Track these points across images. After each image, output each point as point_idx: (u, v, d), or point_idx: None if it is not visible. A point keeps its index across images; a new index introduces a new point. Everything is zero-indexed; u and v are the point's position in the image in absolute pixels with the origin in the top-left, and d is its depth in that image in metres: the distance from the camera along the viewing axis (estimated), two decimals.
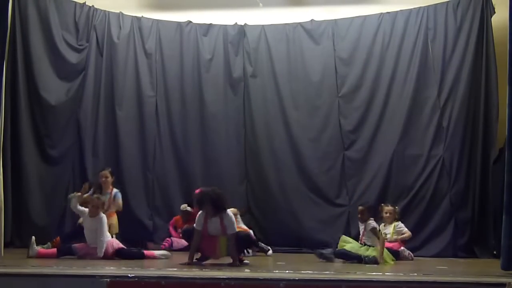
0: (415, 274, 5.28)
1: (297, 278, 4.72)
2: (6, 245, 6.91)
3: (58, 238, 7.07)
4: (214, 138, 8.80)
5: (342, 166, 8.54)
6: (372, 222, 6.81)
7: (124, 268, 5.38)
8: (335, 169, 8.50)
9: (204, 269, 5.39)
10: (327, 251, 6.85)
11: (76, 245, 6.61)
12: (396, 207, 7.60)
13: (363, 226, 6.90)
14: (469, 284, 4.60)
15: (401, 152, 8.23)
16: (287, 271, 5.20)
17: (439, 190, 8.14)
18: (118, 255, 6.57)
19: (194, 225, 6.14)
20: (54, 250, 6.64)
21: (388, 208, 7.50)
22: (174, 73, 8.99)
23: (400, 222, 7.49)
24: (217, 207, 5.98)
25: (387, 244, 6.91)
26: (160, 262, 6.50)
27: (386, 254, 6.67)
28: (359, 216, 7.00)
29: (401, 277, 5.03)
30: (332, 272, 5.30)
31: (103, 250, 6.48)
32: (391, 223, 7.42)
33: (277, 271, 5.22)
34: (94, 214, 6.64)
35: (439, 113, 8.26)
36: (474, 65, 8.17)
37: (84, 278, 4.77)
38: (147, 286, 4.61)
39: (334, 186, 8.53)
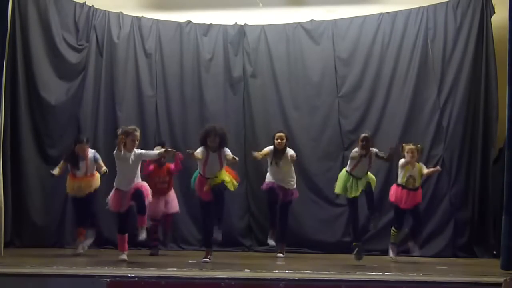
0: (415, 274, 5.28)
1: (297, 278, 4.73)
2: (6, 245, 6.95)
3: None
4: None
5: (342, 166, 8.47)
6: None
7: (124, 268, 5.39)
8: (335, 169, 8.46)
9: (204, 269, 5.39)
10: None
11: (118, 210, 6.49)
12: (419, 145, 7.04)
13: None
14: (469, 284, 4.62)
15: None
16: (287, 271, 5.20)
17: (439, 190, 8.15)
18: (138, 193, 6.53)
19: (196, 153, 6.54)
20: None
21: (410, 147, 6.93)
22: (174, 73, 8.98)
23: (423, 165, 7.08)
24: (222, 141, 6.57)
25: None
26: (161, 262, 6.49)
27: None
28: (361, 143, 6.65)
29: (401, 277, 5.04)
30: (332, 272, 5.31)
31: None
32: (413, 164, 6.95)
33: (277, 271, 5.22)
34: (132, 148, 6.69)
35: (439, 113, 8.27)
36: (474, 65, 8.18)
37: (84, 278, 4.79)
38: (147, 286, 4.62)
39: (334, 186, 8.50)
